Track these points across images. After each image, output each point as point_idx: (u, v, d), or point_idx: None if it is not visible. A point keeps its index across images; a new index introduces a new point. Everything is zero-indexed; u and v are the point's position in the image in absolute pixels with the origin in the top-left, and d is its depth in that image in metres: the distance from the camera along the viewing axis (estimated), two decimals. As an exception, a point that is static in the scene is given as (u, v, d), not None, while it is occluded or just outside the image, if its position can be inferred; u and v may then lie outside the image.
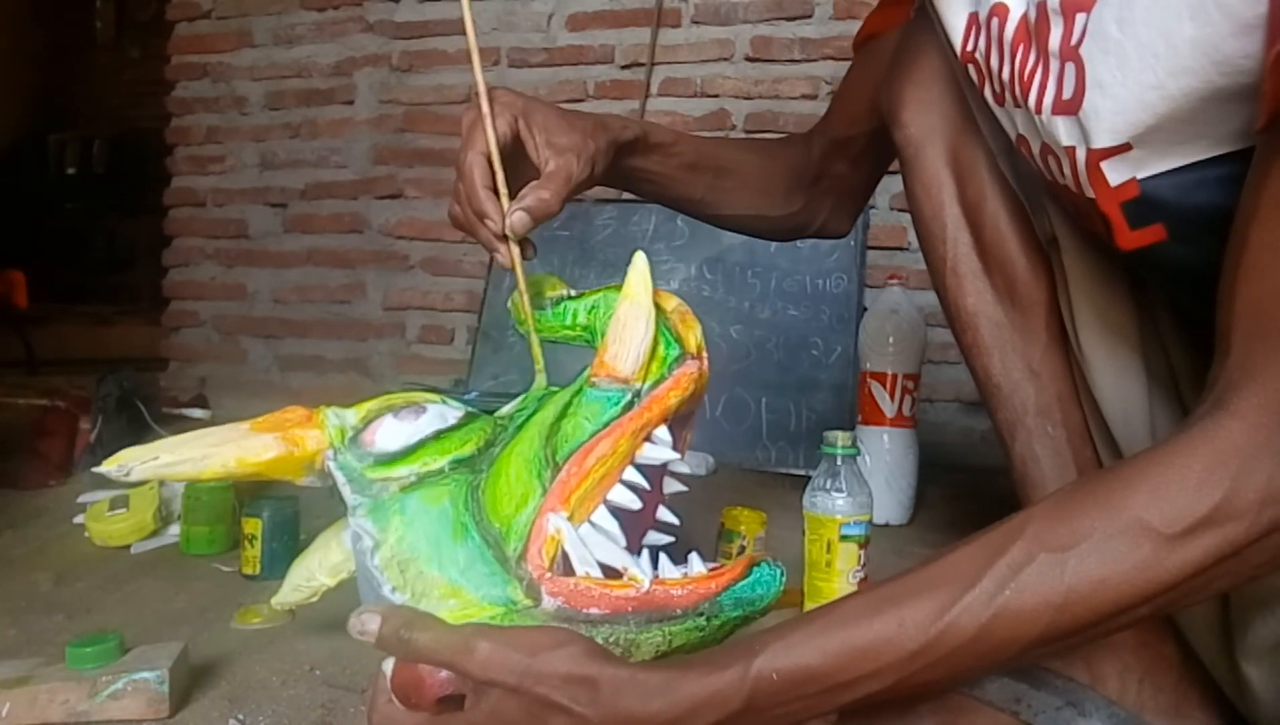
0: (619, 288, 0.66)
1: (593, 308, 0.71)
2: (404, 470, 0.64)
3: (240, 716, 0.72)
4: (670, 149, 0.87)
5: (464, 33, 0.74)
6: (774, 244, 1.86)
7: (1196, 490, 0.44)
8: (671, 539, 0.66)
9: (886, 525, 1.34)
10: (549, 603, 0.57)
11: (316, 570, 0.76)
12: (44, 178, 5.44)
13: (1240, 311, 0.47)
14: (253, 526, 1.04)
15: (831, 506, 0.94)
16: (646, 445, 0.62)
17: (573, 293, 0.74)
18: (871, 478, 1.05)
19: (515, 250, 0.72)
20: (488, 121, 0.72)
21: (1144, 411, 0.66)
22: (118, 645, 0.73)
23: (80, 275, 5.06)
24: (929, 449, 1.46)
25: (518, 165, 0.74)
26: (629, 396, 0.62)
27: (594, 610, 0.56)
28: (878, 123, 0.90)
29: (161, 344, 2.63)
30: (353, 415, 0.68)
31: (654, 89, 2.22)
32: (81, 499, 1.31)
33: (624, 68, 2.24)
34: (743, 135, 2.13)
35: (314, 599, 0.78)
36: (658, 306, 0.65)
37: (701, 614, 0.57)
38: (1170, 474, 0.45)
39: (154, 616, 0.94)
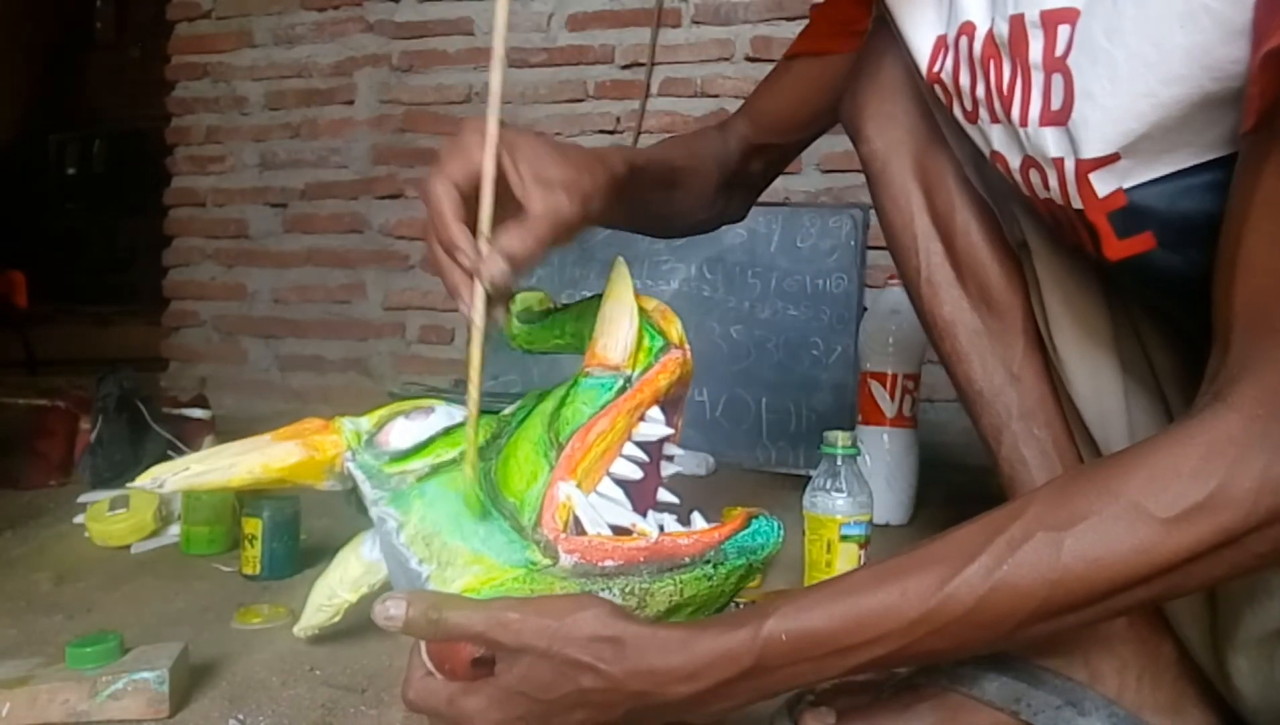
0: (600, 298, 0.71)
1: (579, 316, 0.75)
2: (419, 463, 0.69)
3: (240, 716, 0.72)
4: (644, 172, 0.79)
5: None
6: (774, 244, 1.86)
7: (1192, 477, 0.46)
8: (674, 518, 0.70)
9: (886, 525, 1.35)
10: (566, 559, 0.60)
11: (338, 587, 0.79)
12: (44, 178, 5.45)
13: (1239, 307, 0.48)
14: (253, 526, 1.04)
15: (831, 506, 0.94)
16: (642, 424, 0.67)
17: (558, 306, 0.79)
18: (871, 478, 1.06)
19: (480, 294, 0.61)
20: (490, 142, 0.61)
21: (1121, 411, 0.66)
22: (118, 645, 0.73)
23: (80, 275, 5.07)
24: (929, 449, 1.46)
25: (498, 203, 0.63)
26: (621, 381, 0.67)
27: (609, 563, 0.60)
28: (804, 136, 0.98)
29: (161, 344, 2.63)
30: (366, 421, 0.73)
31: (654, 89, 2.22)
32: (81, 499, 1.31)
33: (624, 68, 2.24)
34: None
35: (337, 618, 0.81)
36: (639, 306, 0.69)
37: (709, 562, 0.61)
38: (1168, 461, 0.47)
39: (154, 616, 0.94)
